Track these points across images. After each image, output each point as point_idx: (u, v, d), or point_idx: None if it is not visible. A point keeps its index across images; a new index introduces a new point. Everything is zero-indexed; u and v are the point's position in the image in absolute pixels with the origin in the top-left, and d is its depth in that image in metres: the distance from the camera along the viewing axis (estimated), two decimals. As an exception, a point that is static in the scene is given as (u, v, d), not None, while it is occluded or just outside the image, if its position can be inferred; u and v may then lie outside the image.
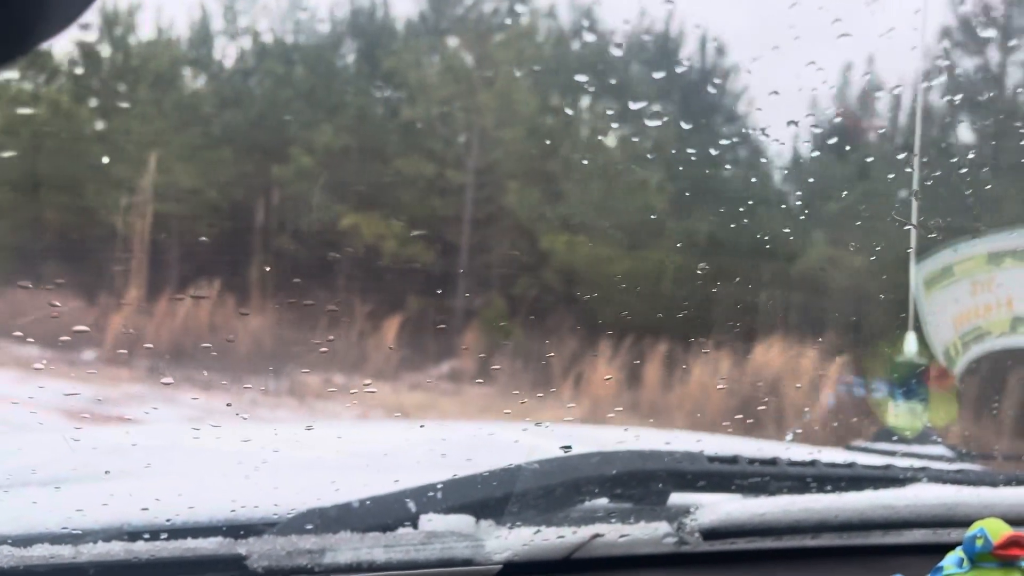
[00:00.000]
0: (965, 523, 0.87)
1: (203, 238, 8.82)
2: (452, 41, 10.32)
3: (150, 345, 4.17)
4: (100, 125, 9.16)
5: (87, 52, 9.16)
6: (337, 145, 9.46)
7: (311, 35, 10.63)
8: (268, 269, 7.48)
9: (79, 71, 9.16)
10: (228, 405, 1.46)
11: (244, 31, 10.13)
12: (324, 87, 10.19)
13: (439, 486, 0.99)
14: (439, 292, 8.06)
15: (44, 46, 0.56)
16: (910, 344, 1.72)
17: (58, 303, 1.23)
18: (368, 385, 4.14)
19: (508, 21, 9.69)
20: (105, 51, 9.32)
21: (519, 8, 11.25)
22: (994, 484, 1.20)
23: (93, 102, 9.07)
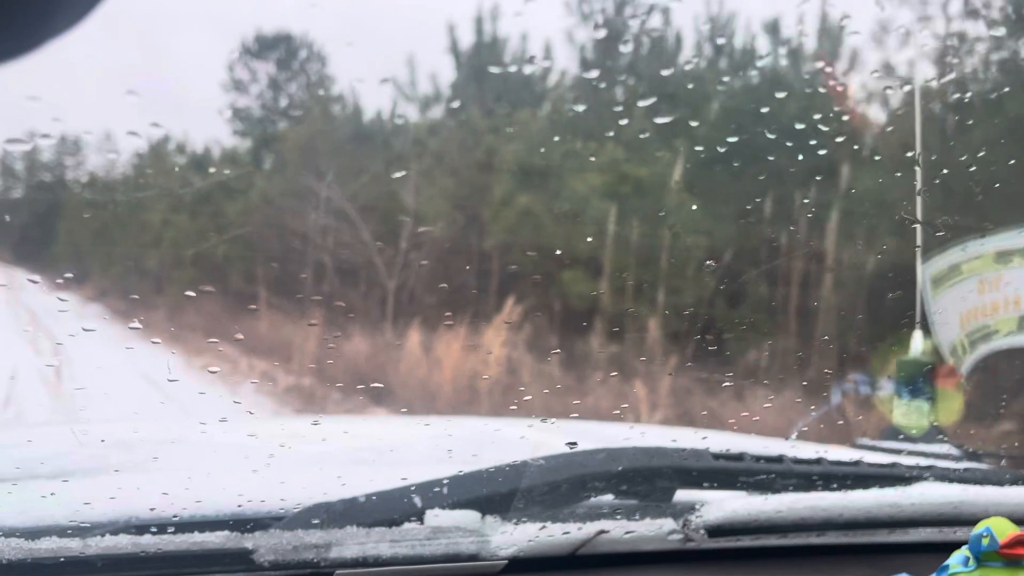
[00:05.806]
0: (971, 522, 0.86)
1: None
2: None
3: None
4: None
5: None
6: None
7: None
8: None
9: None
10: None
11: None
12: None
13: (445, 482, 0.99)
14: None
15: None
16: (917, 342, 1.71)
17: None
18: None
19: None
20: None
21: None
22: (1000, 483, 1.20)
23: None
